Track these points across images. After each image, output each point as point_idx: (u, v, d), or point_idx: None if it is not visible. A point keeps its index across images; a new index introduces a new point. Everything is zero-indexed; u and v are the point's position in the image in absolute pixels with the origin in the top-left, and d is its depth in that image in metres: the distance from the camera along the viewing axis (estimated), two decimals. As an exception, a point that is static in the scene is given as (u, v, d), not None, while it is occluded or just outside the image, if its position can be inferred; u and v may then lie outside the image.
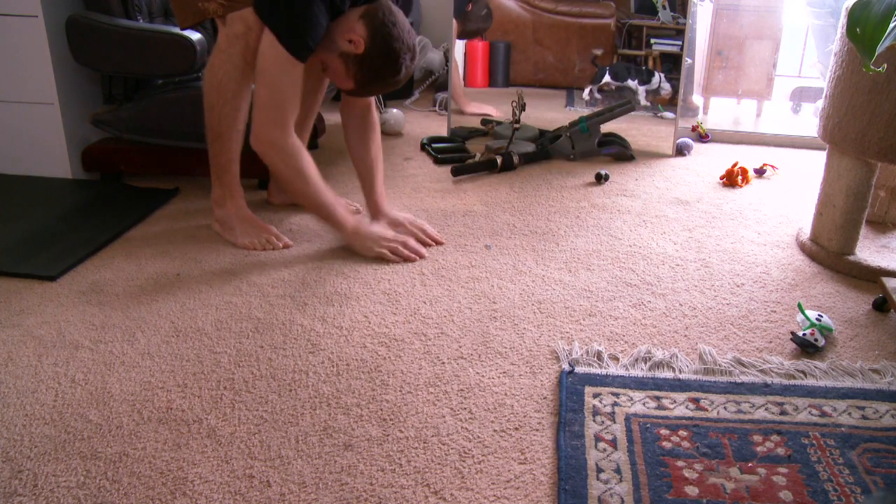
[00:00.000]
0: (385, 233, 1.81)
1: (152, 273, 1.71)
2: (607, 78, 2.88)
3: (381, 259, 1.77)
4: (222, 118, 1.77)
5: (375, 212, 1.92)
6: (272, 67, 1.60)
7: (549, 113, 2.87)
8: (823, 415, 1.22)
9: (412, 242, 1.80)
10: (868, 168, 1.72)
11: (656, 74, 2.80)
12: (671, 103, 2.76)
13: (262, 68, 1.61)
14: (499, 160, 2.43)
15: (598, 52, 2.85)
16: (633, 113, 2.65)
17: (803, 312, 1.47)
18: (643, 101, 2.84)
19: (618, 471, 1.08)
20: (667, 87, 2.79)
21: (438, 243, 1.88)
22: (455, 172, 2.38)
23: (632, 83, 2.85)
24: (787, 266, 1.80)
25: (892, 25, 1.26)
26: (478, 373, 1.33)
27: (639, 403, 1.24)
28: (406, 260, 1.76)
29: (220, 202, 1.88)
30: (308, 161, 1.69)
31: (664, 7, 2.71)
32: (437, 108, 3.28)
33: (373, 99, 1.91)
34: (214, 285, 1.65)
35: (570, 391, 1.27)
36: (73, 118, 2.26)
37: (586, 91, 2.91)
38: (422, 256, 1.78)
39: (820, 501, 1.03)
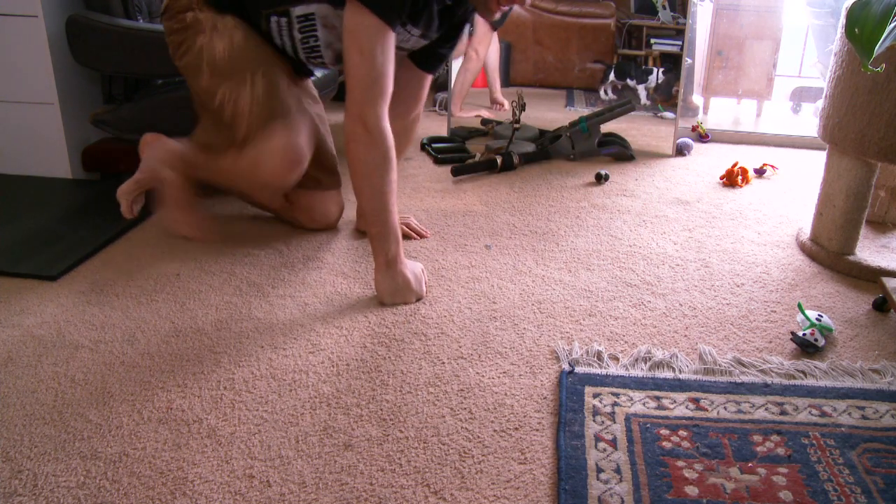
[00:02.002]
0: (409, 285, 1.57)
1: (152, 273, 1.71)
2: (612, 77, 2.89)
3: (385, 300, 1.59)
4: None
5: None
6: (361, 36, 1.41)
7: (549, 113, 2.87)
8: (823, 415, 1.22)
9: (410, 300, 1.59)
10: (868, 168, 1.72)
11: (654, 71, 2.80)
12: (671, 102, 2.76)
13: (349, 41, 1.43)
14: (499, 160, 2.43)
15: (597, 66, 2.88)
16: (633, 113, 2.65)
17: (803, 312, 1.47)
18: (643, 100, 2.85)
19: (618, 471, 1.08)
20: (661, 78, 2.80)
21: (422, 236, 1.89)
22: (455, 172, 2.38)
23: (631, 82, 2.85)
24: (787, 266, 1.80)
25: (890, 26, 1.26)
26: (478, 373, 1.33)
27: (639, 403, 1.24)
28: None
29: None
30: (393, 159, 1.49)
31: (664, 7, 2.71)
32: (437, 108, 3.28)
33: (427, 87, 1.84)
34: (214, 285, 1.65)
35: (570, 391, 1.27)
36: (73, 118, 2.26)
37: (601, 90, 2.92)
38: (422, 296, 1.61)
39: (820, 501, 1.03)
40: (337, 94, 2.79)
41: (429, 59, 1.76)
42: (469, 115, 2.96)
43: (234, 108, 1.63)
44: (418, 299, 1.59)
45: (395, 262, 1.55)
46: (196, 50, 1.63)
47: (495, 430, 1.18)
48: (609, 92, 2.90)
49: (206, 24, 1.61)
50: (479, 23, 2.85)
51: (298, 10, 1.56)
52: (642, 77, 2.84)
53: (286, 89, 1.67)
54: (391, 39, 1.44)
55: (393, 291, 1.57)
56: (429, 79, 1.83)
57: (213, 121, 1.71)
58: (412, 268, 1.60)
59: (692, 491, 1.05)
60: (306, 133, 1.67)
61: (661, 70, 2.82)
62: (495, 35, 2.96)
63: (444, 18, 1.62)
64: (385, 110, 1.46)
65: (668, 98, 2.82)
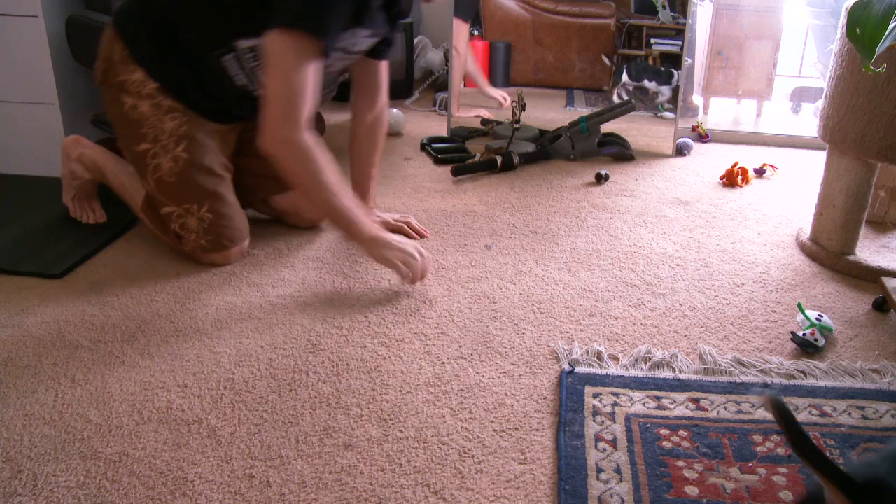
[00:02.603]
0: (405, 245, 1.61)
1: (152, 273, 1.71)
2: (624, 78, 2.87)
3: (389, 266, 1.61)
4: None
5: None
6: (280, 58, 1.44)
7: (549, 113, 2.87)
8: (823, 415, 1.22)
9: (419, 264, 1.61)
10: (868, 168, 1.72)
11: (675, 73, 2.77)
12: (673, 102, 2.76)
13: (270, 59, 1.45)
14: (499, 160, 2.43)
15: (606, 61, 2.84)
16: (633, 113, 2.65)
17: (803, 312, 1.47)
18: (668, 104, 2.80)
19: (618, 471, 1.08)
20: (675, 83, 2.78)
21: (422, 236, 1.89)
22: (455, 172, 2.38)
23: (649, 84, 2.82)
24: (787, 266, 1.80)
25: (891, 26, 1.26)
26: (478, 373, 1.33)
27: (639, 403, 1.24)
28: (412, 280, 1.60)
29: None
30: (326, 162, 1.52)
31: (664, 7, 2.71)
32: (437, 108, 3.28)
33: (384, 73, 1.85)
34: (214, 285, 1.65)
35: (570, 391, 1.27)
36: (73, 118, 2.26)
37: (614, 94, 2.90)
38: (424, 276, 1.62)
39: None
40: (337, 94, 2.80)
41: (377, 46, 1.77)
42: (469, 115, 2.96)
43: (181, 225, 1.69)
44: (418, 255, 1.59)
45: (379, 233, 1.60)
46: (140, 153, 1.67)
47: (495, 430, 1.18)
48: (623, 95, 2.87)
49: (147, 127, 1.64)
50: (456, 21, 2.84)
51: (243, 44, 1.60)
52: (665, 78, 2.79)
53: (231, 203, 1.72)
54: (314, 61, 1.46)
55: (379, 256, 1.59)
56: (383, 65, 1.84)
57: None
58: (397, 237, 1.64)
59: (692, 491, 1.05)
60: (242, 226, 1.75)
61: (678, 73, 2.80)
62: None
63: (388, 11, 1.65)
64: (302, 123, 1.48)
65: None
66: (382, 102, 1.88)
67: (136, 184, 1.77)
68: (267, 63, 1.46)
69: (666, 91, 2.80)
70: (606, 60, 2.87)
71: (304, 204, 1.89)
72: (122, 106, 1.65)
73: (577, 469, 1.09)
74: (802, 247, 1.89)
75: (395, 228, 1.86)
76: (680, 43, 2.70)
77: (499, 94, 3.02)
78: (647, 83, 2.82)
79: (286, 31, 1.42)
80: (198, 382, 1.30)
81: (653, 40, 2.77)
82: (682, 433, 1.17)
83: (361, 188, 1.91)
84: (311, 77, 1.46)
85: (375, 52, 1.78)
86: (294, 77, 1.44)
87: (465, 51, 2.93)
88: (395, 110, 2.90)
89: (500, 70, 3.03)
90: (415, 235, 1.89)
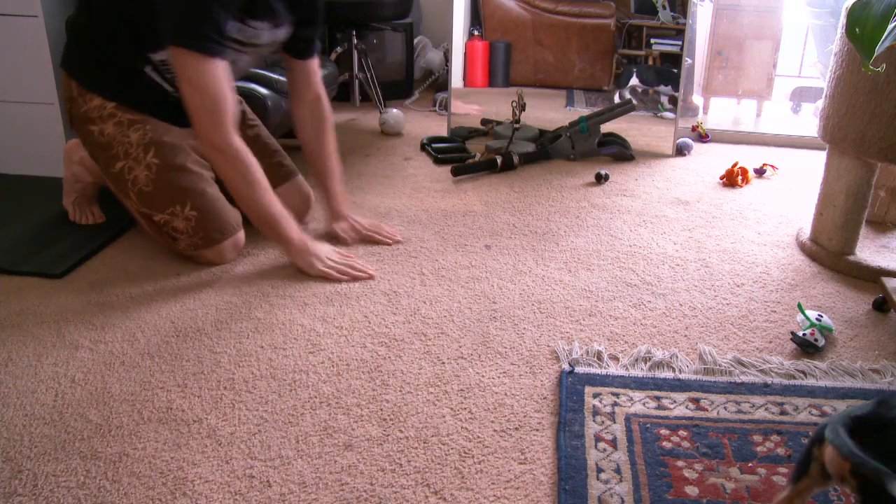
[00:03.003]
0: (331, 253, 1.72)
1: (152, 273, 1.71)
2: (634, 81, 2.85)
3: (325, 278, 1.67)
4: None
5: (334, 214, 1.89)
6: (187, 72, 1.52)
7: (549, 113, 2.87)
8: (823, 415, 1.22)
9: (359, 263, 1.71)
10: (868, 168, 1.72)
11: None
12: (671, 103, 2.76)
13: (179, 77, 1.53)
14: (499, 160, 2.43)
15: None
16: (633, 113, 2.65)
17: (803, 312, 1.47)
18: (668, 104, 2.78)
19: (618, 471, 1.08)
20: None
21: (396, 242, 1.87)
22: (455, 172, 2.38)
23: (665, 87, 2.79)
24: (787, 266, 1.80)
25: (891, 25, 1.26)
26: (478, 373, 1.33)
27: (639, 403, 1.24)
28: (354, 279, 1.67)
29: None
30: (255, 165, 1.60)
31: (664, 7, 2.71)
32: (437, 108, 3.28)
33: (322, 88, 1.89)
34: (214, 285, 1.65)
35: (570, 391, 1.27)
36: (73, 118, 2.26)
37: (616, 94, 2.89)
38: (370, 276, 1.68)
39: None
40: (337, 95, 2.80)
41: (297, 46, 1.80)
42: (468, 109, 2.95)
43: (172, 228, 1.71)
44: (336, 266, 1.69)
45: (307, 242, 1.69)
46: (117, 173, 1.70)
47: (495, 430, 1.18)
48: (627, 95, 2.85)
49: (116, 146, 1.68)
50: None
51: (156, 57, 1.66)
52: (675, 80, 2.76)
53: (214, 194, 1.73)
54: (216, 64, 1.53)
55: (307, 265, 1.69)
56: (310, 64, 1.86)
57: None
58: (325, 248, 1.73)
59: (692, 491, 1.05)
60: (230, 218, 1.75)
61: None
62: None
63: (289, 2, 1.68)
64: (230, 127, 1.56)
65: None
66: (314, 95, 1.87)
67: None
68: (178, 79, 1.55)
69: (671, 91, 2.79)
70: (618, 61, 2.83)
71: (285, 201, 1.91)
72: (91, 136, 1.71)
73: (577, 469, 1.09)
74: (802, 247, 1.89)
75: (365, 237, 1.87)
76: (680, 43, 2.70)
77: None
78: (657, 87, 2.80)
79: (174, 48, 1.51)
80: (198, 382, 1.30)
81: (653, 40, 2.77)
82: (682, 433, 1.17)
83: (324, 182, 1.89)
84: (220, 79, 1.53)
85: (297, 51, 1.81)
86: (202, 87, 1.52)
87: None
88: (395, 110, 2.90)
89: (500, 70, 3.03)
90: (387, 241, 1.87)
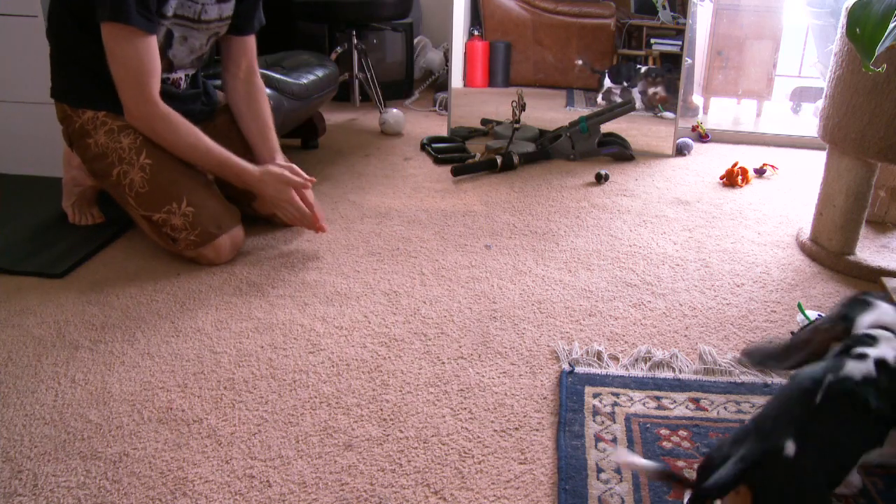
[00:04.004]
0: (291, 177, 1.78)
1: (152, 273, 1.71)
2: (607, 82, 2.87)
3: (282, 202, 1.78)
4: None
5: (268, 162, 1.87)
6: (112, 46, 1.57)
7: (549, 113, 2.87)
8: (823, 415, 1.22)
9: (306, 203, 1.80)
10: (868, 168, 1.72)
11: (664, 71, 2.76)
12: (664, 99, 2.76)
13: (106, 50, 1.57)
14: (499, 160, 2.43)
15: (583, 64, 2.83)
16: (633, 113, 2.65)
17: (803, 312, 1.47)
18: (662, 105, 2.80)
19: (618, 471, 1.08)
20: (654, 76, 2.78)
21: (310, 181, 1.82)
22: (455, 172, 2.38)
23: (637, 87, 2.81)
24: (787, 266, 1.80)
25: (891, 26, 1.26)
26: (478, 373, 1.33)
27: (639, 403, 1.24)
28: (301, 222, 1.81)
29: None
30: (185, 121, 1.67)
31: (664, 7, 2.71)
32: (437, 108, 3.28)
33: (255, 61, 1.90)
34: (214, 285, 1.65)
35: (570, 391, 1.27)
36: (73, 118, 2.26)
37: (599, 96, 2.90)
38: (317, 223, 1.82)
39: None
40: (337, 95, 2.80)
41: (236, 20, 1.81)
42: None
43: (170, 227, 1.71)
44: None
45: (265, 169, 1.76)
46: (114, 180, 1.71)
47: (495, 430, 1.18)
48: (614, 100, 2.86)
49: (111, 154, 1.70)
50: None
51: None
52: (654, 79, 2.79)
53: (215, 196, 1.77)
54: (137, 40, 1.56)
55: (276, 190, 1.77)
56: (248, 40, 1.87)
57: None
58: (282, 170, 1.79)
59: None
60: (227, 213, 1.77)
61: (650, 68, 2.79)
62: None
63: None
64: (152, 91, 1.62)
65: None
66: (245, 67, 1.88)
67: None
68: (107, 55, 1.59)
69: (660, 91, 2.80)
70: (586, 66, 2.86)
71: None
72: (88, 149, 1.72)
73: (577, 469, 1.09)
74: (802, 247, 1.89)
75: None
76: (680, 43, 2.70)
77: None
78: (634, 86, 2.82)
79: (104, 23, 1.55)
80: (198, 382, 1.30)
81: (653, 40, 2.77)
82: (682, 433, 1.17)
83: (261, 141, 1.88)
84: (146, 54, 1.58)
85: (235, 27, 1.82)
86: (127, 60, 1.57)
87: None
88: (395, 110, 2.90)
89: (500, 70, 3.03)
90: (306, 182, 1.83)
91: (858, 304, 1.06)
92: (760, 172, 2.47)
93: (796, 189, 2.36)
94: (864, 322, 1.03)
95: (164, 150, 1.70)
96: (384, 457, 1.12)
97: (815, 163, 2.60)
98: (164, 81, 1.71)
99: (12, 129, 2.26)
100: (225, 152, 1.72)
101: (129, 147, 1.68)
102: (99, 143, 1.70)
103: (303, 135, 2.65)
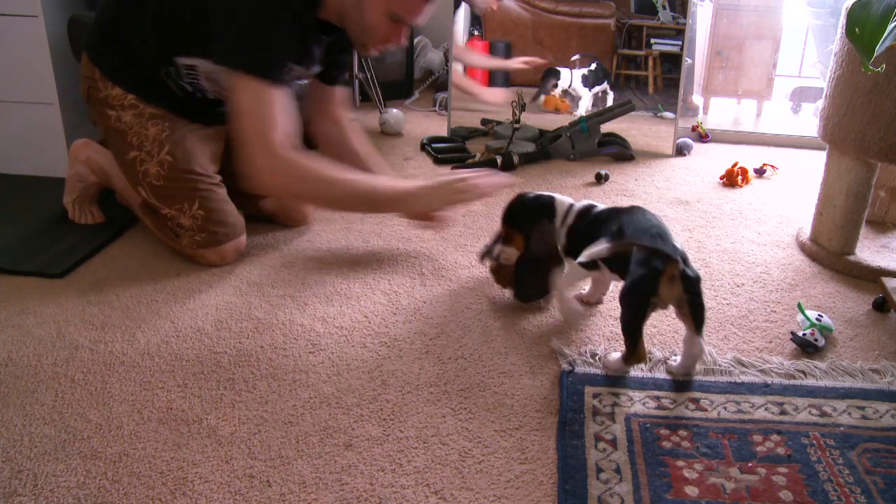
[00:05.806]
0: (447, 176, 1.69)
1: (152, 273, 1.71)
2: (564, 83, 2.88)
3: (463, 201, 1.72)
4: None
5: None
6: (243, 99, 1.49)
7: (549, 113, 2.87)
8: (823, 415, 1.22)
9: (482, 183, 1.72)
10: (868, 168, 1.72)
11: (604, 74, 2.77)
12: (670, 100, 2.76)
13: (235, 103, 1.50)
14: (499, 160, 2.43)
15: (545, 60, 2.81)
16: (633, 113, 2.65)
17: (803, 312, 1.47)
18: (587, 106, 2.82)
19: (618, 471, 1.08)
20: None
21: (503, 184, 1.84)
22: (455, 172, 2.38)
23: (601, 86, 2.83)
24: (787, 266, 1.80)
25: (891, 26, 1.26)
26: (478, 373, 1.33)
27: (639, 403, 1.24)
28: (484, 193, 1.73)
29: None
30: (320, 162, 1.57)
31: (664, 7, 2.71)
32: (437, 108, 3.28)
33: (344, 112, 1.90)
34: (214, 285, 1.65)
35: (570, 391, 1.27)
36: (73, 118, 2.27)
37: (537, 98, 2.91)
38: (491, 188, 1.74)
39: (820, 501, 1.04)
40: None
41: (322, 74, 1.82)
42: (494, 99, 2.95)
43: (176, 224, 1.71)
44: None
45: (423, 184, 1.68)
46: (129, 161, 1.70)
47: (496, 430, 1.18)
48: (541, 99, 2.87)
49: (132, 136, 1.68)
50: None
51: (183, 61, 1.65)
52: (591, 81, 2.80)
53: (223, 199, 1.74)
54: (274, 93, 1.50)
55: (451, 197, 1.69)
56: (334, 89, 1.89)
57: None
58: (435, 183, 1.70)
59: (692, 491, 1.05)
60: (235, 222, 1.76)
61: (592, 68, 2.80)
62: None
63: (327, 52, 1.72)
64: (278, 140, 1.50)
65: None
66: (336, 115, 1.89)
67: None
68: (233, 101, 1.51)
69: (589, 93, 2.82)
70: (656, 112, 2.82)
71: (290, 204, 1.93)
72: (108, 119, 1.71)
73: (577, 469, 1.09)
74: (802, 247, 1.89)
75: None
76: (680, 43, 2.70)
77: (493, 97, 2.99)
78: (571, 88, 2.83)
79: (232, 71, 1.49)
80: (198, 382, 1.30)
81: (653, 40, 2.77)
82: (682, 433, 1.17)
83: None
84: (277, 105, 1.50)
85: (322, 77, 1.83)
86: (259, 113, 1.49)
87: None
88: (395, 110, 2.90)
89: (500, 70, 3.03)
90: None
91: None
92: (760, 172, 2.47)
93: (796, 189, 2.36)
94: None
95: (186, 151, 1.68)
96: (384, 457, 1.12)
97: (815, 163, 2.60)
98: (187, 86, 1.70)
99: (12, 129, 2.26)
100: (369, 182, 1.62)
101: (153, 138, 1.67)
102: (123, 120, 1.68)
103: (303, 135, 2.65)
